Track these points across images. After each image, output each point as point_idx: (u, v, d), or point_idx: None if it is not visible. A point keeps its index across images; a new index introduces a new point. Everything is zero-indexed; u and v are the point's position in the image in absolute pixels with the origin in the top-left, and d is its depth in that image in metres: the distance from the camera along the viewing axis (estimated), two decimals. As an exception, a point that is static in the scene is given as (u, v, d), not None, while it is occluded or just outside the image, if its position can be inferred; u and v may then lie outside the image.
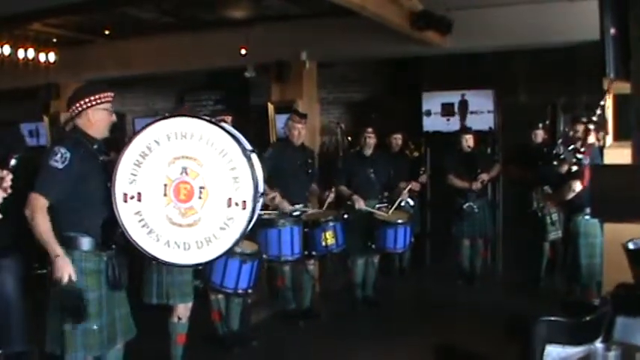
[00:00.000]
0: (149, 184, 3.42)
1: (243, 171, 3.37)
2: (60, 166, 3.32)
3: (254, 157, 3.50)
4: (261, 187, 3.50)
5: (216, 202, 3.41)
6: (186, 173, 3.40)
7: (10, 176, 2.85)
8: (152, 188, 3.42)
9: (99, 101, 3.49)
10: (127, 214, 3.43)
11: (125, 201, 3.42)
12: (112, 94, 3.56)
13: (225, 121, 4.88)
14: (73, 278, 3.32)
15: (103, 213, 3.46)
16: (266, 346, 5.41)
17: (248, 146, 3.52)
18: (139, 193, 3.41)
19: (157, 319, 4.53)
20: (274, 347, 5.49)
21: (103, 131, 3.57)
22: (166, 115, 3.54)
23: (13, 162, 2.86)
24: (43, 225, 3.31)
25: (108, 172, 3.45)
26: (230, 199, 3.39)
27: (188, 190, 3.41)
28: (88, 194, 3.42)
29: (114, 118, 3.60)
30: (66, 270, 3.30)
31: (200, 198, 3.40)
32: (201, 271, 4.56)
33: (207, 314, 5.22)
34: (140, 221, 3.44)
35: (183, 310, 4.51)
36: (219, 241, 3.43)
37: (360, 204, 6.41)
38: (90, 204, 3.43)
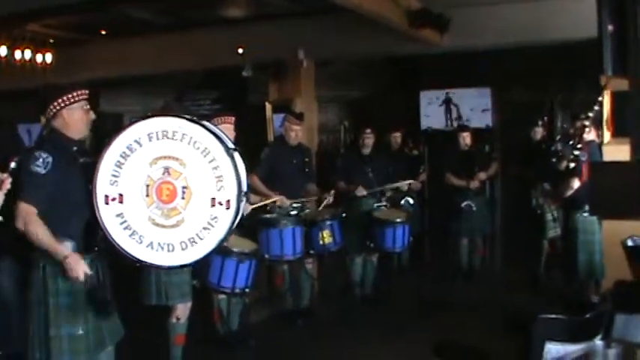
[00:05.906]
0: (131, 185, 3.35)
1: (227, 170, 3.30)
2: (42, 171, 3.22)
3: (237, 155, 3.42)
4: (244, 186, 3.42)
5: (199, 202, 3.33)
6: (169, 173, 3.33)
7: (10, 179, 2.82)
8: (134, 189, 3.35)
9: (72, 100, 3.40)
10: (108, 216, 3.36)
11: (107, 203, 3.35)
12: (87, 91, 3.45)
13: (228, 122, 4.89)
14: (87, 272, 3.25)
15: (83, 216, 3.37)
16: (265, 345, 5.41)
17: (230, 144, 3.45)
18: (121, 195, 3.35)
19: (156, 319, 4.53)
20: (273, 347, 5.48)
21: (82, 130, 3.47)
22: (148, 114, 3.44)
23: (12, 165, 2.84)
24: (40, 233, 3.21)
25: (88, 173, 3.35)
26: (214, 198, 3.32)
27: (171, 190, 3.33)
28: (69, 197, 3.33)
29: (92, 115, 3.49)
30: (80, 267, 3.22)
31: (183, 198, 3.33)
32: (199, 270, 4.55)
33: (207, 314, 5.21)
34: (122, 223, 3.37)
35: (182, 310, 4.50)
36: (204, 242, 3.36)
37: (361, 191, 6.48)
38: (70, 207, 3.34)
